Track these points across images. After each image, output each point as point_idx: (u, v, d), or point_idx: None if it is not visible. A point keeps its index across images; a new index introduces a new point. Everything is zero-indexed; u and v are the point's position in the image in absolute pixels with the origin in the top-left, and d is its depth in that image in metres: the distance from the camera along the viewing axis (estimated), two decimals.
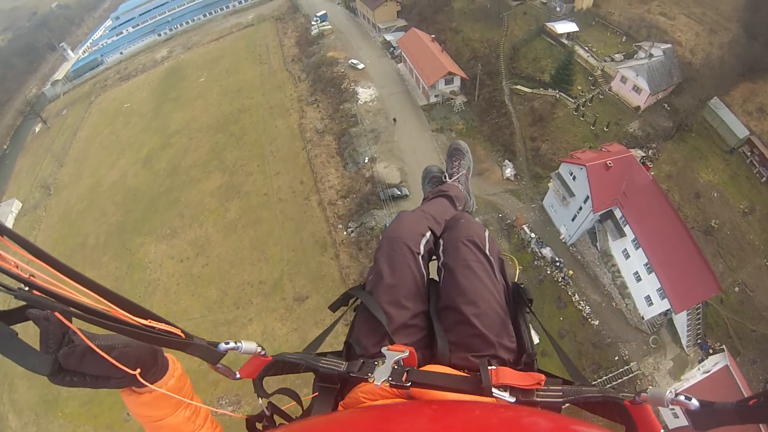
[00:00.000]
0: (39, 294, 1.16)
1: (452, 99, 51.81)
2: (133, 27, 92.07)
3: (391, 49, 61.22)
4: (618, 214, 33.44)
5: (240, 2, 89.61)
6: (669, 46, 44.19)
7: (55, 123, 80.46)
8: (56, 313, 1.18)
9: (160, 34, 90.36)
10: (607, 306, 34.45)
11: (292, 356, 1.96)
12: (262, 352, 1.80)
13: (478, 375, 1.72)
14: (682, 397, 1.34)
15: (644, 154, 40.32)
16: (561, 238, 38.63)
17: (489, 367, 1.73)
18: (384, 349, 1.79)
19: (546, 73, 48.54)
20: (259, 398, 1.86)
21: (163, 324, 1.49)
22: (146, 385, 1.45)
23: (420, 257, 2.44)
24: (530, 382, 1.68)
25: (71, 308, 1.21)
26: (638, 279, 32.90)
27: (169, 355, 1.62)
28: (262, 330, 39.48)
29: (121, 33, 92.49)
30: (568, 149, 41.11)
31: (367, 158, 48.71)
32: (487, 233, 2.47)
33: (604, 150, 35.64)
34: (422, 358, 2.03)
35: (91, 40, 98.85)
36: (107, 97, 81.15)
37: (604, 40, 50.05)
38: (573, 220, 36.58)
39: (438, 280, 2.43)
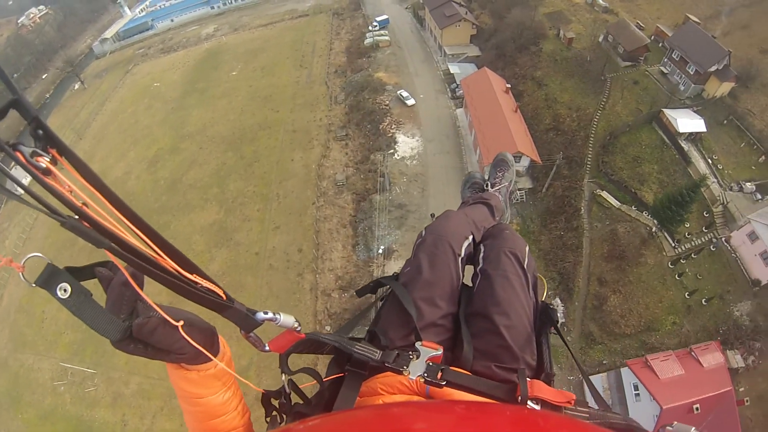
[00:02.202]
0: (88, 226, 1.04)
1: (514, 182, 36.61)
2: None
3: (454, 85, 46.16)
4: None
5: None
6: None
7: (92, 85, 73.00)
8: (131, 281, 1.16)
9: (213, 7, 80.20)
10: None
11: (327, 337, 1.80)
12: (298, 328, 1.66)
13: (511, 384, 1.71)
14: None
15: (740, 361, 25.46)
16: None
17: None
18: (418, 344, 1.77)
19: (647, 186, 32.99)
20: (282, 374, 1.80)
21: (207, 281, 1.37)
22: (203, 363, 1.44)
23: (460, 259, 2.30)
24: (562, 399, 1.63)
25: (119, 248, 1.09)
26: None
27: (221, 337, 1.55)
28: None
29: None
30: (644, 320, 28.44)
31: (382, 248, 35.60)
32: (527, 249, 2.33)
33: (693, 354, 23.53)
34: (444, 360, 1.86)
35: (148, 1, 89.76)
36: (143, 69, 72.01)
37: (736, 153, 33.89)
38: None
39: (471, 285, 2.30)
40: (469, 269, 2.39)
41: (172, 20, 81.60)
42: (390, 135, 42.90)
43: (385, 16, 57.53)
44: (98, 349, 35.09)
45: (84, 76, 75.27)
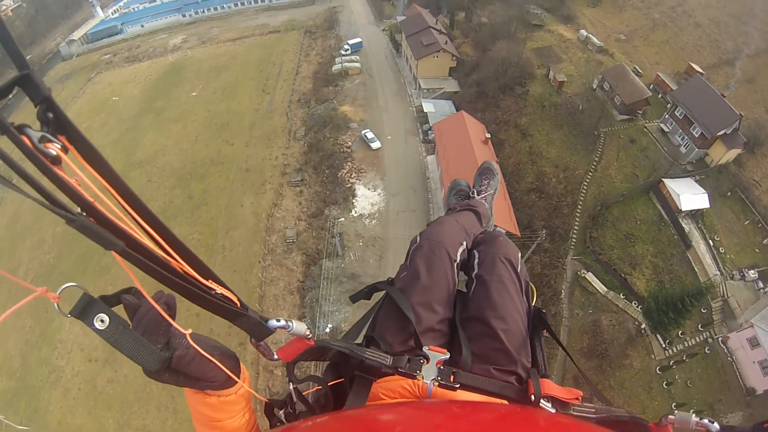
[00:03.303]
0: (97, 224, 0.93)
1: None
2: (150, 2, 77.09)
3: (427, 126, 39.77)
4: None
5: None
6: None
7: (54, 90, 62.38)
8: (163, 312, 1.12)
9: (185, 15, 73.88)
10: None
11: (337, 344, 1.74)
12: (309, 336, 1.63)
13: (522, 385, 1.73)
14: (705, 421, 1.39)
15: None
16: None
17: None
18: (425, 349, 1.78)
19: (639, 271, 27.48)
20: (290, 383, 1.73)
21: (223, 288, 1.32)
22: (227, 389, 1.42)
23: (456, 265, 2.26)
24: (571, 396, 1.66)
25: (134, 252, 1.00)
26: None
27: (242, 364, 1.54)
28: None
29: (153, 1, 78.10)
30: None
31: (330, 326, 29.78)
32: (519, 255, 2.30)
33: None
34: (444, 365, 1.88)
35: (123, 2, 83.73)
36: (105, 79, 65.63)
37: (739, 232, 28.81)
38: None
39: (465, 290, 2.27)
40: (463, 275, 2.35)
41: (142, 26, 75.53)
42: (349, 186, 36.62)
43: (358, 39, 51.00)
44: (32, 403, 32.11)
45: (47, 80, 66.55)
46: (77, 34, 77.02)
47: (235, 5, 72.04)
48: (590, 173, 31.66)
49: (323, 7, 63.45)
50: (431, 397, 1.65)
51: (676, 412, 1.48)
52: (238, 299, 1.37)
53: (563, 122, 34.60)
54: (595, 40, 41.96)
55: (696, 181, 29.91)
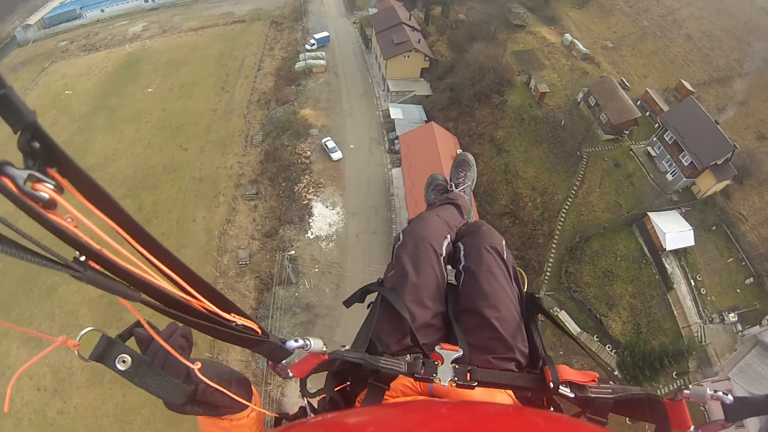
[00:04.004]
0: (105, 273, 0.82)
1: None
2: None
3: (393, 134, 35.91)
4: None
5: None
6: None
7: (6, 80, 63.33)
8: (170, 349, 1.09)
9: (147, 0, 68.30)
10: None
11: (351, 355, 1.68)
12: (326, 351, 1.61)
13: (538, 372, 1.71)
14: (720, 393, 1.40)
15: None
16: None
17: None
18: (438, 348, 1.73)
19: (616, 312, 25.18)
20: (304, 398, 1.75)
21: (243, 319, 1.29)
22: (240, 412, 1.42)
23: (442, 258, 2.24)
24: (587, 378, 1.62)
25: (151, 299, 0.93)
26: None
27: (253, 387, 1.54)
28: None
29: None
30: None
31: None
32: (504, 242, 2.29)
33: None
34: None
35: None
36: (59, 70, 60.62)
37: (721, 271, 26.51)
38: None
39: (456, 283, 2.26)
40: (451, 268, 2.31)
41: (102, 11, 69.73)
42: (305, 203, 32.95)
43: (325, 33, 46.43)
44: None
45: (3, 66, 63.22)
46: (34, 18, 71.41)
47: None
48: (570, 199, 28.37)
49: None
50: (433, 393, 1.68)
51: (691, 386, 1.44)
52: (260, 327, 1.33)
53: (543, 138, 31.05)
54: (580, 46, 38.15)
55: (681, 214, 26.76)
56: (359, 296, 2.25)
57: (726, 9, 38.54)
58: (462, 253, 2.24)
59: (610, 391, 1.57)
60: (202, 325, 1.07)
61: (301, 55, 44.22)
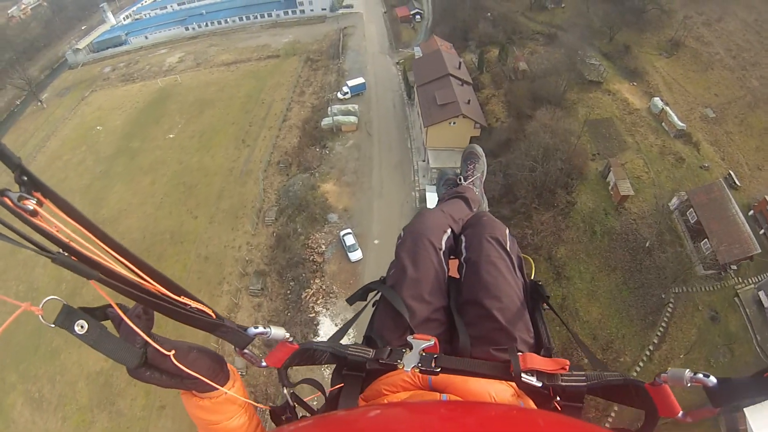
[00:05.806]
0: (76, 259, 1.06)
1: None
2: (161, 9, 71.63)
3: None
4: None
5: (285, 13, 60.78)
6: None
7: (51, 105, 62.64)
8: (125, 318, 1.18)
9: (188, 28, 66.31)
10: None
11: (320, 344, 1.75)
12: (290, 339, 1.60)
13: (506, 362, 1.65)
14: (700, 375, 1.30)
15: None
16: None
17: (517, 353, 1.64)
18: (410, 338, 1.69)
19: None
20: (284, 388, 1.71)
21: (196, 302, 1.35)
22: (213, 390, 1.43)
23: (441, 253, 2.20)
24: (555, 367, 1.58)
25: (109, 278, 1.10)
26: None
27: (230, 365, 1.54)
28: None
29: (164, 8, 73.22)
30: None
31: None
32: (507, 231, 2.24)
33: None
34: (443, 352, 1.78)
35: (135, 7, 78.07)
36: (97, 100, 59.71)
37: None
38: None
39: (458, 276, 2.22)
40: (454, 261, 2.27)
41: (146, 37, 69.56)
42: (312, 315, 26.38)
43: (361, 80, 39.16)
44: None
45: (50, 90, 65.76)
46: (83, 43, 72.82)
47: (240, 20, 63.24)
48: (640, 364, 19.41)
49: (333, 27, 51.49)
50: (432, 386, 1.66)
51: (669, 369, 1.35)
52: (213, 311, 1.37)
53: (618, 264, 22.12)
54: (674, 117, 28.19)
55: None
56: (361, 294, 2.21)
57: None
58: (463, 245, 2.20)
59: (583, 378, 1.51)
60: (155, 303, 1.16)
61: (330, 108, 37.09)
